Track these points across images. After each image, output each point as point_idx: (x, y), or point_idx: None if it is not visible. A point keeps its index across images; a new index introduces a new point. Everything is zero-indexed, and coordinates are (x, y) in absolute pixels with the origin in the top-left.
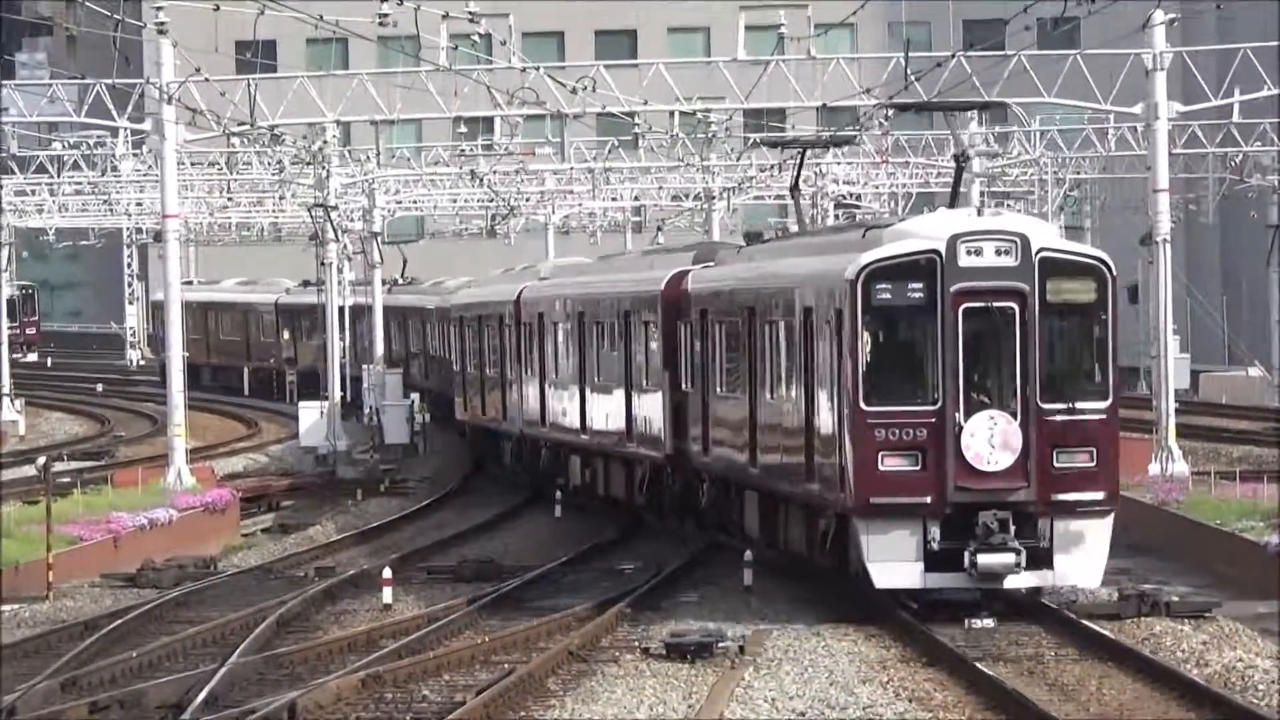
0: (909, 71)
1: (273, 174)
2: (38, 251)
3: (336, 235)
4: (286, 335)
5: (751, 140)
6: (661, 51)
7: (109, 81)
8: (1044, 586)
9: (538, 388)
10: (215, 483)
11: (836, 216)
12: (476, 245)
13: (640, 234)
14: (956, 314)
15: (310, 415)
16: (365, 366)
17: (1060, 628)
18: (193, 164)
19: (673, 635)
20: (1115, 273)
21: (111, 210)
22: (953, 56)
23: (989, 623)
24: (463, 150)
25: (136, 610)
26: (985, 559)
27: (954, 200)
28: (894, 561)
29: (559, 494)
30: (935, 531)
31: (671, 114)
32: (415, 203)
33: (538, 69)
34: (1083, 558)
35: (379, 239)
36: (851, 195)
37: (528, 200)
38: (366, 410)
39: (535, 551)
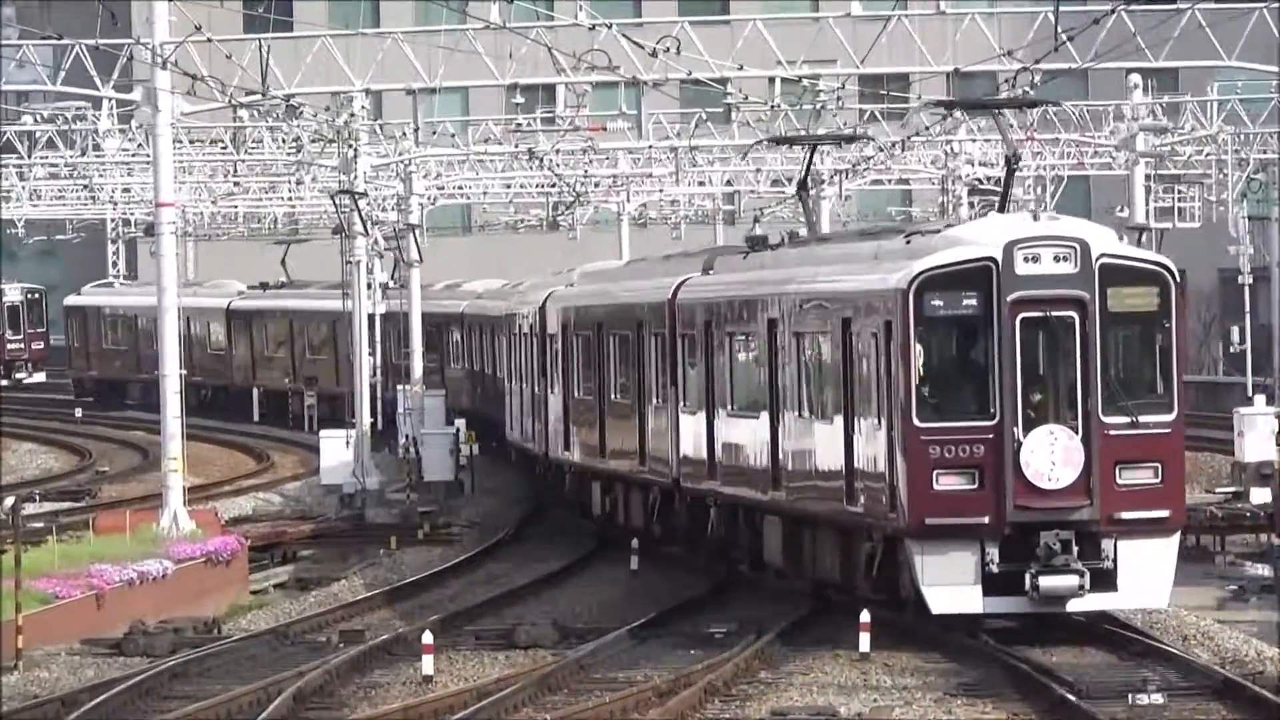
0: (1059, 30)
1: (288, 154)
2: (5, 247)
3: (365, 228)
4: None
5: (761, 139)
6: (758, 6)
7: (90, 42)
8: (1108, 610)
9: (561, 407)
10: (219, 528)
11: (971, 204)
12: (535, 240)
13: (733, 226)
14: (1014, 324)
15: (333, 447)
16: (400, 388)
17: (1245, 704)
18: (192, 142)
19: (775, 713)
20: (1179, 280)
21: (94, 198)
22: (1112, 12)
23: (1158, 699)
24: (518, 125)
25: (124, 683)
26: (1047, 581)
27: (1004, 204)
28: (951, 586)
29: (635, 542)
30: (994, 553)
31: (771, 81)
32: (460, 188)
33: (609, 27)
34: (1149, 578)
35: (416, 232)
36: (989, 180)
37: (597, 185)
38: (402, 440)
39: (607, 612)
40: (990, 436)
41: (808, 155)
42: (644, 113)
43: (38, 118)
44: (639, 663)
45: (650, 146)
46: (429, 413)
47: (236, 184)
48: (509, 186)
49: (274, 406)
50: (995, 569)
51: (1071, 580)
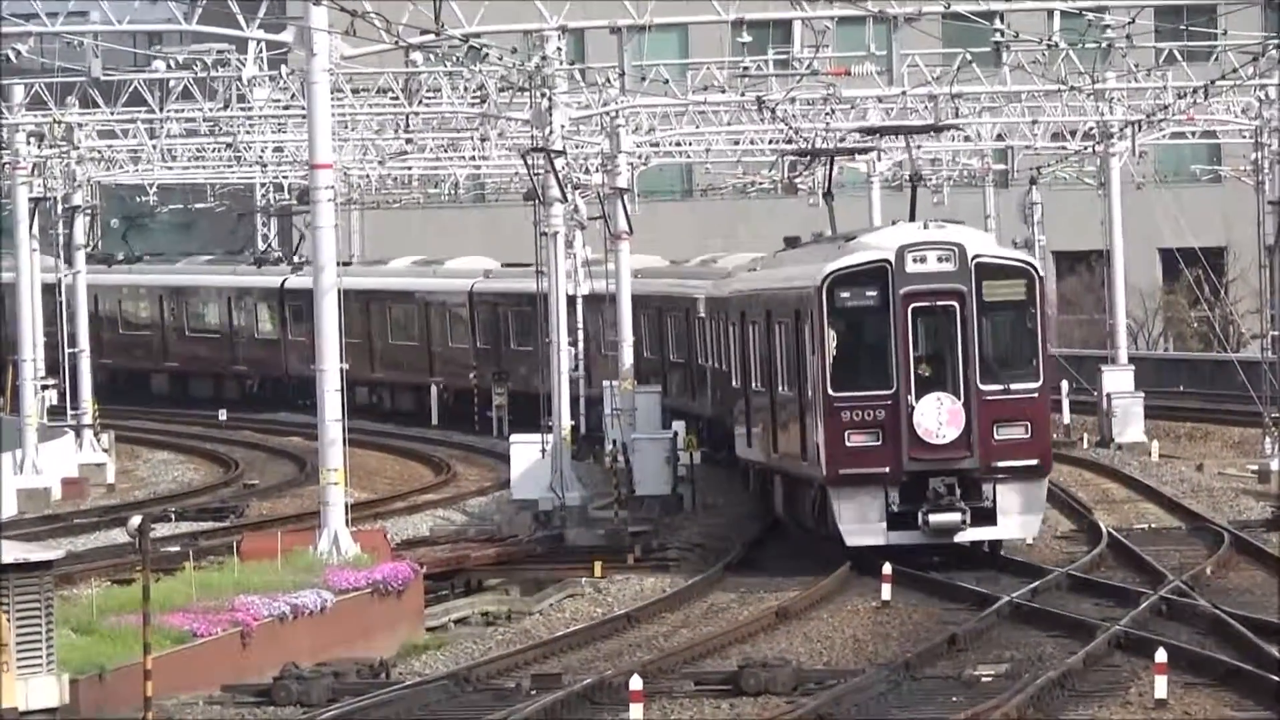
0: None
1: (470, 106)
2: (134, 217)
3: (563, 193)
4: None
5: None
6: None
7: None
8: (988, 540)
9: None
10: (389, 552)
11: None
12: (768, 207)
13: (1006, 189)
14: (906, 312)
15: (526, 455)
16: (608, 384)
17: None
18: (355, 92)
19: None
20: (1042, 274)
21: (239, 158)
22: None
23: None
24: (746, 69)
25: None
26: (936, 518)
27: (912, 215)
28: (861, 523)
29: (886, 568)
30: (895, 496)
31: (1049, 15)
32: (677, 145)
33: None
34: (1021, 514)
35: (625, 197)
36: None
37: (841, 140)
38: (609, 447)
39: (851, 650)
40: (889, 403)
41: (828, 166)
42: (895, 53)
43: (171, 63)
44: (890, 712)
45: (904, 94)
46: (641, 414)
47: (409, 142)
48: (736, 143)
49: (454, 406)
50: (896, 509)
51: (955, 516)
